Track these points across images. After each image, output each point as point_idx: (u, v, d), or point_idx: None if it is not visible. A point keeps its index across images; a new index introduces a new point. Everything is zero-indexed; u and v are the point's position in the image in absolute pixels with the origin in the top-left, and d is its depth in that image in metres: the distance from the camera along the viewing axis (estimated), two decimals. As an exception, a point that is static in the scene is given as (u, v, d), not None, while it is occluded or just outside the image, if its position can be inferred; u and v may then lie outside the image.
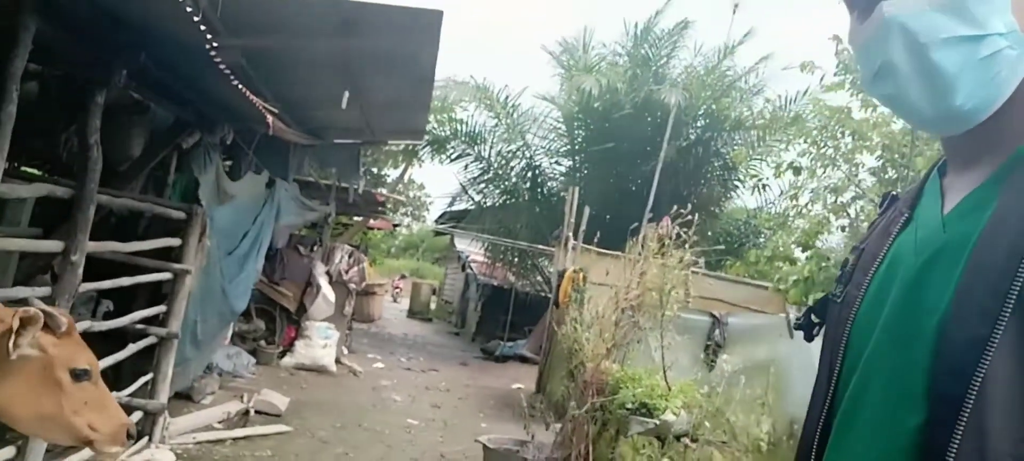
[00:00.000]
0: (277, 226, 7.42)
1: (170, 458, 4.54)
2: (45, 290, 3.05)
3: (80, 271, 3.15)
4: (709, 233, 11.49)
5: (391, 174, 18.26)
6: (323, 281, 8.68)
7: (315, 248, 9.01)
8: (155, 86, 4.11)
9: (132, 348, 4.36)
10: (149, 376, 4.70)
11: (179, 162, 5.49)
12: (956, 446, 0.70)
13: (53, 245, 3.10)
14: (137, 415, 4.55)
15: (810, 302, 4.59)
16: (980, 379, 0.70)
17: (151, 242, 4.35)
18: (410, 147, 13.82)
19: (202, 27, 2.81)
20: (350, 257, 9.10)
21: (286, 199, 7.40)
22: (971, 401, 0.70)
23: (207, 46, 2.96)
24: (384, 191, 12.49)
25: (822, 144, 7.84)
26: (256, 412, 6.09)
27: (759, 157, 12.36)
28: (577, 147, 13.13)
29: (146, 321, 4.64)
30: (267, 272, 8.26)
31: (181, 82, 4.10)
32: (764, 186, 12.13)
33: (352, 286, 9.09)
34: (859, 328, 0.89)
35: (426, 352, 13.00)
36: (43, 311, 2.12)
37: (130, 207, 4.21)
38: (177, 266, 4.67)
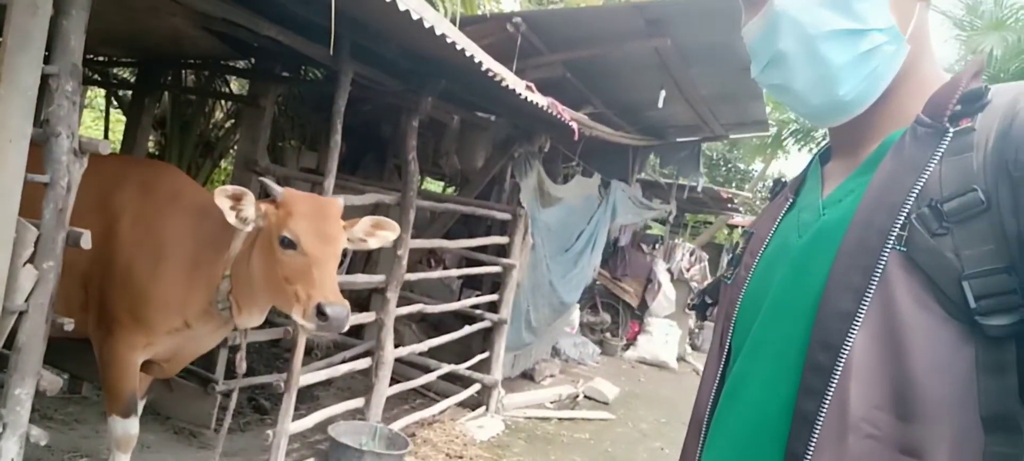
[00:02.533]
0: (612, 225, 7.84)
1: (500, 426, 5.22)
2: (380, 278, 3.87)
3: (404, 263, 3.90)
4: None
5: (758, 169, 17.48)
6: (664, 278, 8.83)
7: (657, 246, 9.21)
8: (467, 105, 4.78)
9: (467, 329, 5.15)
10: (486, 354, 5.48)
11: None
12: (824, 413, 0.76)
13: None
14: (475, 387, 5.37)
15: None
16: (847, 351, 0.75)
17: (476, 240, 5.08)
18: (771, 139, 13.03)
19: (484, 67, 3.21)
20: (691, 255, 9.07)
21: (622, 199, 7.76)
22: (838, 371, 0.76)
23: (490, 75, 3.36)
24: (739, 188, 12.03)
25: None
26: (586, 398, 6.56)
27: None
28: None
29: (483, 308, 5.43)
30: (609, 268, 8.77)
31: (488, 101, 4.70)
32: None
33: (694, 284, 9.04)
34: (746, 307, 0.93)
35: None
36: (265, 183, 2.48)
37: (451, 210, 4.98)
38: (504, 261, 5.35)
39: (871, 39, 0.83)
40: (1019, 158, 0.71)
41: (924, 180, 0.76)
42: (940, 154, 0.77)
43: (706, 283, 9.61)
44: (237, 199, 2.37)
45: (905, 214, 0.75)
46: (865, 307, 0.75)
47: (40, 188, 2.08)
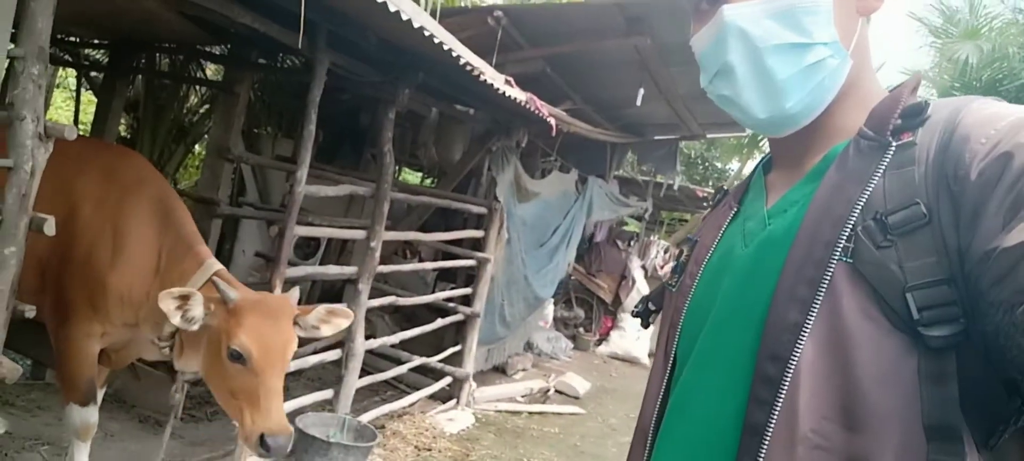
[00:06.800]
0: (589, 221, 7.87)
1: (470, 419, 5.24)
2: (352, 270, 3.85)
3: (377, 256, 3.88)
4: None
5: (735, 168, 17.66)
6: (639, 275, 8.90)
7: (632, 243, 9.27)
8: (445, 97, 4.77)
9: (440, 322, 5.15)
10: (459, 348, 5.48)
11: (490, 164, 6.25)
12: (773, 425, 0.76)
13: (357, 234, 3.89)
14: (446, 380, 5.38)
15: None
16: (795, 362, 0.76)
17: (452, 233, 5.08)
18: (747, 139, 13.15)
19: (462, 61, 3.20)
20: (666, 253, 9.14)
21: (598, 195, 7.79)
22: (787, 382, 0.76)
23: (468, 69, 3.35)
24: (710, 187, 12.12)
25: None
26: (556, 392, 6.60)
27: None
28: (955, 129, 10.93)
29: (457, 301, 5.43)
30: (584, 264, 8.81)
31: (466, 94, 4.69)
32: None
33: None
34: (692, 316, 0.93)
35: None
36: (218, 285, 2.33)
37: (425, 203, 4.96)
38: (479, 255, 5.36)
39: (816, 52, 0.84)
40: (958, 173, 0.73)
41: (868, 193, 0.77)
42: (883, 167, 0.78)
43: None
44: (184, 300, 2.22)
45: (851, 226, 0.76)
46: (812, 318, 0.76)
47: (2, 173, 2.04)
